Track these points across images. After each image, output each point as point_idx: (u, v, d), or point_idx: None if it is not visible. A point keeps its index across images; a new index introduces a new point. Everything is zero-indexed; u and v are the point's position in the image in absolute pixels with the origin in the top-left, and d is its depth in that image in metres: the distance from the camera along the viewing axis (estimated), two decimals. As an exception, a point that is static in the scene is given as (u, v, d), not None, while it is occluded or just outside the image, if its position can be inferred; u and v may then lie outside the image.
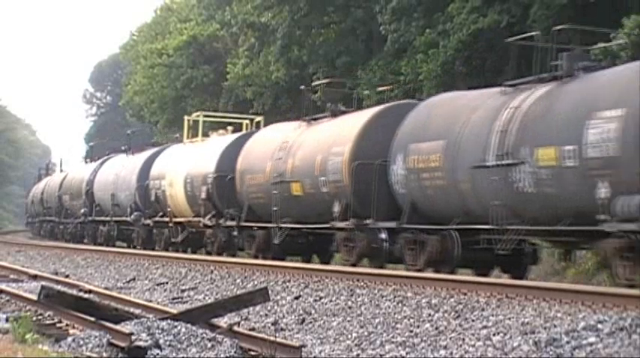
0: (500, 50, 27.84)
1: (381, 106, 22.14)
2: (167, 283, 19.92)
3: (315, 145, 22.60)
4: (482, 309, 12.38)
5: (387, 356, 10.99)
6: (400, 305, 13.58)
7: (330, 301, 14.74)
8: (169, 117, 52.93)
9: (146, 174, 33.37)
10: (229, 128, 31.94)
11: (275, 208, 23.43)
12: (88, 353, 10.24)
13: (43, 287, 12.73)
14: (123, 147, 40.84)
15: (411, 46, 30.38)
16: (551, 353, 9.62)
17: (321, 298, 15.09)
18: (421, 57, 29.37)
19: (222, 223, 26.65)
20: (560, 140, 15.21)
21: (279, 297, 15.54)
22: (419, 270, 17.94)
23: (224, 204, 26.50)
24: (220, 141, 29.09)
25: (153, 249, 31.22)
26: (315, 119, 24.38)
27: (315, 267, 19.14)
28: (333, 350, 11.53)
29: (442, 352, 10.70)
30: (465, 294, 13.51)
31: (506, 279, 15.95)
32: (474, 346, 10.69)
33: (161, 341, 10.71)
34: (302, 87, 29.82)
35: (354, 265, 20.18)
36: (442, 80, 28.27)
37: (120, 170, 36.96)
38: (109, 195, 36.94)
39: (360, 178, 20.19)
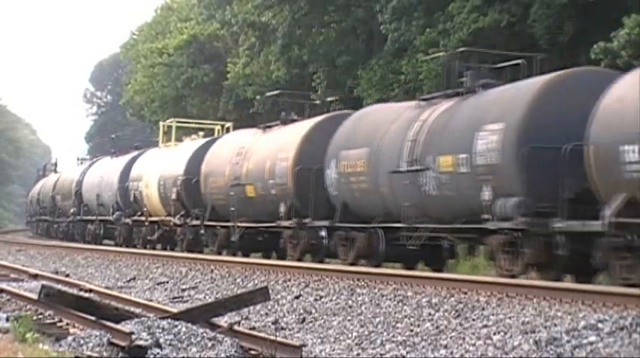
0: (500, 50, 27.82)
1: (322, 116, 24.42)
2: (167, 282, 19.92)
3: (265, 151, 24.96)
4: (483, 308, 12.38)
5: (388, 355, 10.99)
6: (400, 304, 13.59)
7: (331, 300, 14.75)
8: (170, 117, 52.95)
9: (126, 175, 35.55)
10: (200, 133, 34.23)
11: (232, 209, 25.89)
12: (89, 353, 10.24)
13: (43, 286, 12.71)
14: (113, 149, 42.95)
15: (412, 45, 30.38)
16: (551, 352, 9.62)
17: (321, 297, 15.10)
18: (421, 56, 29.37)
19: (189, 222, 29.08)
20: (456, 149, 17.53)
21: (279, 296, 15.55)
22: (352, 264, 20.25)
23: (191, 204, 28.89)
24: (190, 146, 31.67)
25: (134, 247, 32.91)
26: (269, 126, 26.60)
27: (316, 266, 19.17)
28: (333, 350, 11.54)
29: (442, 351, 10.70)
30: (466, 293, 13.51)
31: (506, 279, 15.95)
32: (474, 345, 10.69)
33: (161, 341, 10.71)
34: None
35: (299, 260, 22.45)
36: (442, 80, 28.26)
37: (104, 172, 39.33)
38: (94, 195, 39.10)
39: (302, 182, 22.60)
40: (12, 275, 21.33)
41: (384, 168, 19.73)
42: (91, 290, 17.24)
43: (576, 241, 15.20)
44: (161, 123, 37.04)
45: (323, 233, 22.31)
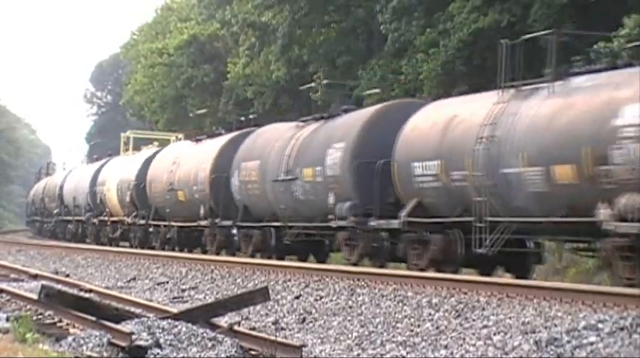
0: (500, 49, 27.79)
1: (235, 133, 29.10)
2: (167, 282, 19.92)
3: (192, 161, 29.63)
4: (483, 309, 12.38)
5: (388, 355, 10.99)
6: (401, 304, 13.58)
7: (331, 300, 14.75)
8: (170, 117, 52.98)
9: (95, 180, 40.61)
10: (155, 143, 39.08)
11: (168, 210, 31.10)
12: (89, 353, 10.24)
13: (43, 286, 12.71)
14: (95, 156, 48.82)
15: (412, 45, 30.38)
16: (551, 352, 9.62)
17: (321, 297, 15.09)
18: (422, 56, 29.37)
19: (138, 221, 33.99)
20: (315, 163, 22.12)
21: (279, 297, 15.55)
22: (251, 256, 24.69)
23: (140, 205, 33.79)
24: (142, 155, 36.84)
25: (102, 244, 36.80)
26: (199, 139, 31.57)
27: (316, 266, 19.22)
28: (333, 350, 11.54)
29: (443, 351, 10.70)
30: (466, 294, 13.51)
31: (506, 279, 15.97)
32: (474, 345, 10.69)
33: (161, 341, 10.70)
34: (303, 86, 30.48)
35: (233, 255, 26.20)
36: (442, 80, 28.27)
37: (80, 177, 44.42)
38: (72, 198, 44.15)
39: (216, 187, 27.15)
40: (12, 276, 21.32)
41: (269, 177, 24.28)
42: (91, 291, 17.23)
43: (392, 236, 19.68)
44: (122, 134, 42.20)
45: (234, 231, 26.77)
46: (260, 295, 12.92)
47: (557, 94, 16.06)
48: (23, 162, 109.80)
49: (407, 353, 10.92)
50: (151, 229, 33.31)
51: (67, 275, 22.29)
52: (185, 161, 30.17)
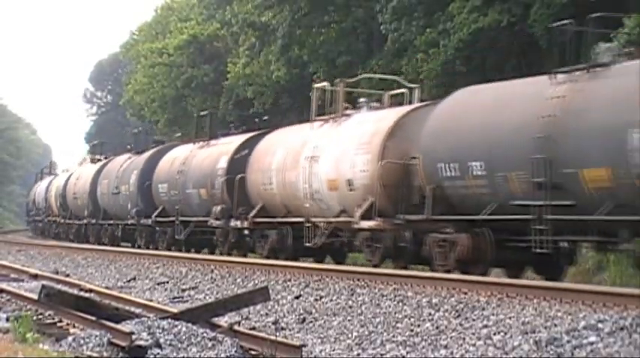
0: (500, 49, 27.83)
1: (154, 149, 35.12)
2: (167, 282, 19.92)
3: (117, 171, 36.79)
4: (483, 308, 12.38)
5: (388, 355, 10.99)
6: (401, 304, 13.58)
7: (331, 300, 14.75)
8: (170, 117, 52.95)
9: (64, 186, 46.76)
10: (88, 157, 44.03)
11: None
12: (89, 353, 10.24)
13: (43, 286, 12.70)
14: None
15: (412, 45, 30.36)
16: (551, 352, 9.62)
17: (321, 297, 15.09)
18: (422, 56, 29.35)
19: (91, 221, 40.20)
20: (202, 184, 28.32)
21: (279, 297, 15.55)
22: (168, 249, 30.67)
23: (95, 208, 39.70)
24: (93, 167, 43.04)
25: (72, 241, 41.15)
26: (114, 156, 40.22)
27: (316, 266, 19.18)
28: (333, 350, 11.54)
29: (443, 351, 10.70)
30: (466, 294, 13.51)
31: (506, 279, 15.95)
32: (474, 345, 10.69)
33: (162, 341, 10.70)
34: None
35: (139, 247, 33.01)
36: (442, 80, 28.26)
37: (54, 183, 51.50)
38: (52, 200, 50.62)
39: (142, 191, 33.21)
40: (12, 275, 21.33)
41: (174, 190, 30.49)
42: (91, 290, 17.24)
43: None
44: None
45: (158, 228, 32.45)
46: (260, 295, 12.92)
47: None
48: (24, 162, 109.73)
49: (407, 353, 10.93)
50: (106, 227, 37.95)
51: (67, 275, 22.29)
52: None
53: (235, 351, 10.68)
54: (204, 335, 11.02)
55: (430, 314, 12.68)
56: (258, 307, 14.25)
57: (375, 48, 34.84)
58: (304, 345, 11.14)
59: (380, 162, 19.77)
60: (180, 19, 55.27)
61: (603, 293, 11.87)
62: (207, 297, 16.91)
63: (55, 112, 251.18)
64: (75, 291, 15.28)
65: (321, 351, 11.47)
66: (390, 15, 30.59)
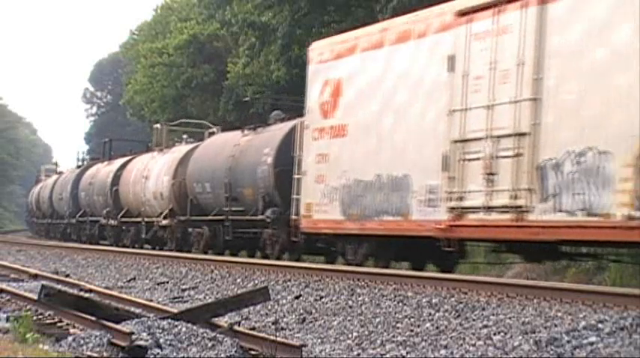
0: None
1: (124, 158, 39.82)
2: (167, 282, 19.92)
3: (92, 177, 42.69)
4: (483, 309, 12.38)
5: (388, 355, 10.98)
6: (401, 304, 13.58)
7: (331, 300, 14.74)
8: (170, 117, 52.93)
9: (50, 192, 52.43)
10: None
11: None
12: (89, 353, 10.24)
13: (43, 286, 12.70)
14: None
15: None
16: (551, 352, 9.62)
17: (321, 297, 15.09)
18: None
19: (65, 221, 47.18)
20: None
21: (279, 297, 15.55)
22: (132, 246, 34.42)
23: (69, 209, 45.80)
24: (71, 173, 48.77)
25: (51, 238, 47.60)
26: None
27: (316, 266, 19.17)
28: (333, 350, 11.53)
29: (443, 351, 10.69)
30: (466, 293, 13.51)
31: (506, 279, 15.97)
32: (474, 345, 10.69)
33: (161, 341, 10.70)
34: None
35: (111, 244, 36.82)
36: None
37: (41, 188, 58.96)
38: (41, 203, 56.60)
39: (112, 195, 38.21)
40: (12, 276, 21.33)
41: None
42: (91, 290, 17.24)
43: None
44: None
45: (88, 226, 41.84)
46: (260, 295, 12.92)
47: None
48: (24, 162, 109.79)
49: (407, 352, 10.92)
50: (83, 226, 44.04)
51: (67, 275, 22.29)
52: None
53: (235, 351, 10.67)
54: (204, 335, 11.01)
55: (430, 314, 12.68)
56: (258, 307, 14.24)
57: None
58: (304, 345, 11.14)
59: (173, 181, 31.53)
60: (180, 19, 55.26)
61: (603, 294, 11.87)
62: (207, 297, 16.91)
63: (55, 112, 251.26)
64: (75, 291, 15.27)
65: (321, 351, 11.46)
66: (390, 15, 30.56)
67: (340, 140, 19.73)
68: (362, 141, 19.07)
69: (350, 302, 14.34)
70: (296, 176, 21.38)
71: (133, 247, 33.70)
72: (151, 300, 16.13)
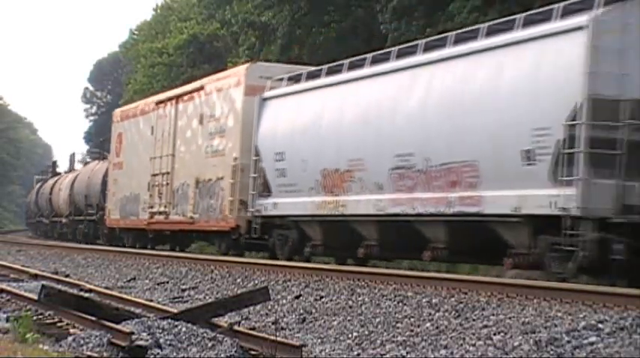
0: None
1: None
2: (167, 282, 19.92)
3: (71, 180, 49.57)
4: (483, 309, 12.37)
5: (388, 355, 10.98)
6: (401, 304, 13.58)
7: (331, 300, 14.74)
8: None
9: (49, 191, 55.98)
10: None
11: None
12: (89, 353, 10.24)
13: (43, 286, 12.70)
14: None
15: (412, 45, 30.33)
16: (551, 352, 9.62)
17: (321, 297, 15.08)
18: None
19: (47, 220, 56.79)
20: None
21: (279, 296, 15.54)
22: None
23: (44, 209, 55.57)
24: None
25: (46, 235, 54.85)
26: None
27: (316, 266, 19.17)
28: (333, 350, 11.53)
29: (443, 351, 10.69)
30: (466, 293, 13.50)
31: (506, 279, 15.94)
32: (474, 345, 10.68)
33: (162, 341, 10.70)
34: None
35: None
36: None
37: (35, 191, 62.96)
38: (36, 204, 61.21)
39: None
40: (12, 276, 21.33)
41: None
42: (91, 290, 17.24)
43: None
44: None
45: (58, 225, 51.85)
46: (260, 295, 12.92)
47: None
48: (24, 162, 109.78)
49: (407, 352, 10.92)
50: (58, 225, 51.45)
51: (67, 275, 22.29)
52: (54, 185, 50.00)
53: (235, 351, 10.67)
54: (204, 335, 11.01)
55: (430, 314, 12.68)
56: (258, 307, 14.24)
57: (376, 48, 34.79)
58: (304, 345, 11.14)
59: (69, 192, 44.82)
60: (180, 19, 55.32)
61: (603, 294, 11.86)
62: (207, 297, 16.91)
63: (56, 112, 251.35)
64: (75, 291, 15.28)
65: (321, 351, 11.46)
66: (390, 15, 30.58)
67: (121, 171, 34.31)
68: (127, 171, 33.55)
69: (350, 302, 14.34)
70: (106, 192, 36.73)
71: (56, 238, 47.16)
72: (151, 300, 16.14)
